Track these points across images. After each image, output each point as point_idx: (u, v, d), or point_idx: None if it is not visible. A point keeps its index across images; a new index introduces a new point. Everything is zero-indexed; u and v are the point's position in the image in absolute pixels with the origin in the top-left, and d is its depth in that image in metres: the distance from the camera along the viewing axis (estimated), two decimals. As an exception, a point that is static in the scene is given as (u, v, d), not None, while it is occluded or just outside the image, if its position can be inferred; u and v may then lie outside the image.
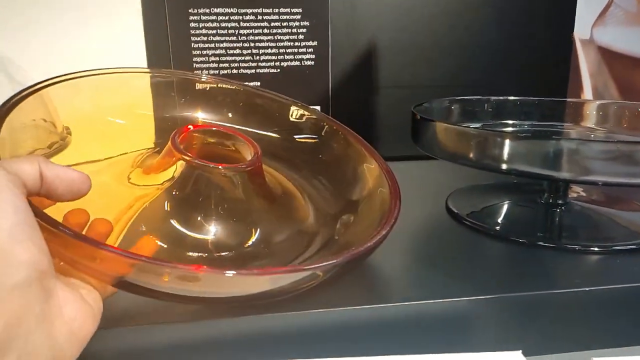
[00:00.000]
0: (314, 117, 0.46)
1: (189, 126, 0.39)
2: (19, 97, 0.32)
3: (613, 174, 0.35)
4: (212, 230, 0.35)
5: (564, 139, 0.44)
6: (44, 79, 0.35)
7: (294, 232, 0.37)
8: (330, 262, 0.28)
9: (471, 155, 0.38)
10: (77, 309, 0.24)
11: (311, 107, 0.46)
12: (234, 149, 0.40)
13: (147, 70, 0.48)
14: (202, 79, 0.46)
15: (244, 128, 0.44)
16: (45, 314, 0.22)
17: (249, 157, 0.38)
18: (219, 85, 0.46)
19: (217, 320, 0.30)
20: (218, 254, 0.34)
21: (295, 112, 0.46)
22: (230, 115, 0.45)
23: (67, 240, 0.23)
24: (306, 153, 0.45)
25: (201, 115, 0.45)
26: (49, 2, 0.55)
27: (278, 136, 0.46)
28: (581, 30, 0.70)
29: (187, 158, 0.35)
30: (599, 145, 0.35)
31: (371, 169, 0.40)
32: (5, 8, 0.54)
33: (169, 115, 0.44)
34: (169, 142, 0.36)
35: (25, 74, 0.47)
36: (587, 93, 0.73)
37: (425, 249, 0.41)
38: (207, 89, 0.46)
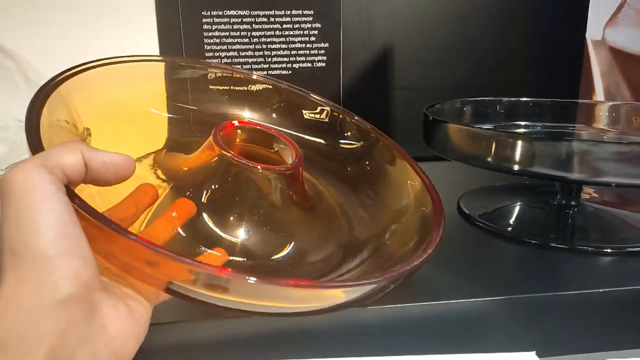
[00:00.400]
0: (360, 125, 0.44)
1: (234, 122, 0.38)
2: (44, 92, 0.30)
3: (626, 175, 0.35)
4: (242, 234, 0.33)
5: (576, 140, 0.44)
6: (64, 71, 0.34)
7: (329, 246, 0.36)
8: (375, 279, 0.27)
9: (483, 156, 0.38)
10: (121, 326, 0.22)
11: (356, 116, 0.44)
12: (275, 150, 0.39)
13: (184, 60, 0.45)
14: (246, 75, 0.44)
15: (286, 130, 0.43)
16: (90, 332, 0.21)
17: (289, 161, 0.37)
18: (261, 84, 0.44)
19: (222, 320, 0.30)
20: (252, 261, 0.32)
21: (340, 119, 0.45)
22: (273, 115, 0.44)
23: (119, 240, 0.21)
24: (349, 163, 0.43)
25: (244, 113, 0.43)
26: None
27: (322, 141, 0.44)
28: (593, 31, 0.70)
29: (228, 154, 0.33)
30: (611, 147, 0.35)
31: (414, 186, 0.38)
32: (15, 5, 0.55)
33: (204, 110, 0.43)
34: (211, 136, 0.35)
35: (36, 71, 0.48)
36: (599, 94, 0.72)
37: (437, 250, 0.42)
38: (249, 87, 0.44)
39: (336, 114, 0.45)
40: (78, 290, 0.20)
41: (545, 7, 0.65)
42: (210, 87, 0.44)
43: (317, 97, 0.45)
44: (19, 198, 0.20)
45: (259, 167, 0.34)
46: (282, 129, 0.43)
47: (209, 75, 0.44)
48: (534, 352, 0.31)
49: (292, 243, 0.34)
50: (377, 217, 0.38)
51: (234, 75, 0.44)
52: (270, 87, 0.45)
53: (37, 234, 0.20)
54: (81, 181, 0.23)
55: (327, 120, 0.45)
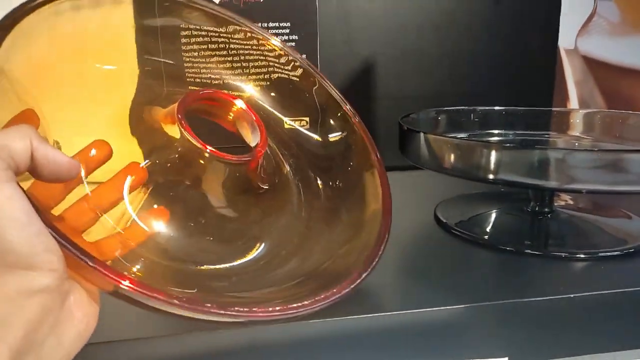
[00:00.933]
0: (348, 118, 0.41)
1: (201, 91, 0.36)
2: None
3: (596, 182, 0.36)
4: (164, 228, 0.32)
5: (547, 148, 0.45)
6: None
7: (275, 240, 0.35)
8: (309, 307, 0.26)
9: (455, 165, 0.39)
10: (85, 310, 0.23)
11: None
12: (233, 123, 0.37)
13: None
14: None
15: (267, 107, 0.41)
16: (60, 317, 0.22)
17: (251, 143, 0.35)
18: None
19: (211, 332, 0.30)
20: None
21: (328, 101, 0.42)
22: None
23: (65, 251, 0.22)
24: (323, 154, 0.41)
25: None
26: None
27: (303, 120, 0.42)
28: (566, 40, 0.72)
29: (181, 128, 0.32)
30: (582, 154, 0.35)
31: (375, 183, 0.37)
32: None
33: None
34: (176, 104, 0.33)
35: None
36: (573, 101, 0.74)
37: (414, 258, 0.42)
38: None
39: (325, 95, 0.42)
40: (55, 282, 0.21)
41: (518, 18, 0.66)
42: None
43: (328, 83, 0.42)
44: None
45: (207, 149, 0.32)
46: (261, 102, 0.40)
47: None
48: (507, 357, 0.31)
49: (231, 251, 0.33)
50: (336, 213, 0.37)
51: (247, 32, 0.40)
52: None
53: (10, 238, 0.20)
54: (23, 172, 0.22)
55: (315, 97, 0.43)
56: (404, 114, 0.49)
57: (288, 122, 0.43)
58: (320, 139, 0.42)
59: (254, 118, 0.37)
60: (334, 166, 0.40)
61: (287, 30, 0.59)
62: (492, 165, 0.36)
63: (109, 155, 0.30)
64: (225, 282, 0.32)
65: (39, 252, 0.20)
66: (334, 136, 0.42)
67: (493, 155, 0.36)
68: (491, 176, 0.37)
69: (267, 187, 0.38)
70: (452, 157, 0.39)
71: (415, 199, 0.55)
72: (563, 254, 0.40)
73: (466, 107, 0.55)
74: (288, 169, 0.40)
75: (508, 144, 0.37)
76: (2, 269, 0.20)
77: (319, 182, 0.40)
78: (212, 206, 0.35)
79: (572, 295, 0.34)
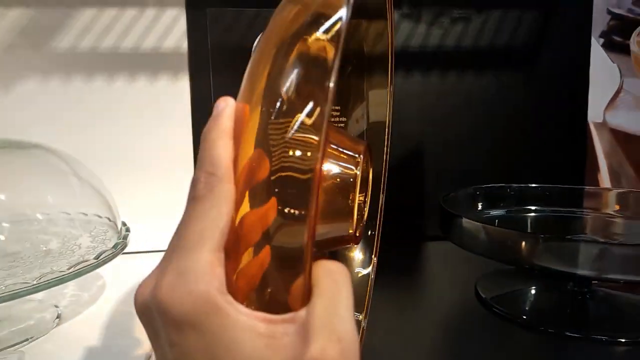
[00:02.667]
0: None
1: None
2: None
3: (632, 273, 0.38)
4: None
5: (582, 240, 0.46)
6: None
7: None
8: None
9: (491, 251, 0.41)
10: None
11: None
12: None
13: None
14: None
15: None
16: None
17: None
18: None
19: None
20: None
21: None
22: None
23: None
24: None
25: None
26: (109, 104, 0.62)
27: None
28: (594, 114, 0.75)
29: None
30: (616, 249, 0.38)
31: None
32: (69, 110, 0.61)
33: None
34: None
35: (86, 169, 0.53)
36: (604, 173, 0.76)
37: (453, 336, 0.44)
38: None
39: None
40: None
41: (549, 96, 0.70)
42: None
43: None
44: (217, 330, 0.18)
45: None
46: None
47: None
48: None
49: None
50: None
51: None
52: None
53: None
54: None
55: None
56: (445, 191, 0.52)
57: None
58: None
59: None
60: None
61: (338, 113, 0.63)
62: (525, 254, 0.39)
63: None
64: None
65: None
66: None
67: (531, 245, 0.39)
68: (526, 264, 0.39)
69: None
70: (488, 243, 0.41)
71: (458, 270, 0.57)
72: (603, 338, 0.41)
73: (502, 185, 0.58)
74: None
75: (543, 235, 0.40)
76: None
77: None
78: None
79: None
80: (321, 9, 0.23)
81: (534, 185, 0.58)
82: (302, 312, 0.18)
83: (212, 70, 0.61)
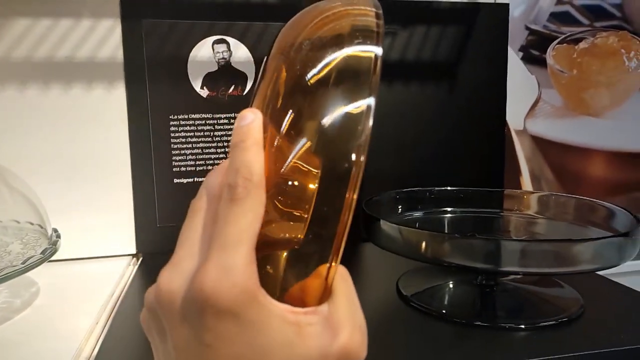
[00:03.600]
0: None
1: None
2: None
3: (530, 266, 0.42)
4: None
5: (478, 238, 0.50)
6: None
7: None
8: None
9: (408, 250, 0.45)
10: None
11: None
12: None
13: None
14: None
15: None
16: None
17: None
18: None
19: None
20: None
21: None
22: None
23: None
24: None
25: None
26: (45, 113, 0.62)
27: None
28: (515, 122, 0.81)
29: None
30: (512, 244, 0.42)
31: None
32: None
33: None
34: None
35: (21, 181, 0.53)
36: (525, 176, 0.82)
37: (376, 331, 0.47)
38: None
39: None
40: None
41: (470, 105, 0.75)
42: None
43: None
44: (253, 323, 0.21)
45: None
46: None
47: None
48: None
49: None
50: None
51: None
52: None
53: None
54: None
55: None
56: (370, 195, 0.56)
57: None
58: None
59: None
60: None
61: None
62: (435, 251, 0.43)
63: None
64: None
65: None
66: None
67: (436, 243, 0.43)
68: (437, 261, 0.43)
69: None
70: (401, 242, 0.45)
71: (382, 270, 0.61)
72: (507, 325, 0.46)
73: (422, 188, 0.62)
74: None
75: (448, 234, 0.44)
76: None
77: None
78: None
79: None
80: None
81: (450, 188, 0.62)
82: (323, 308, 0.22)
83: (148, 80, 0.63)
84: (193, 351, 0.21)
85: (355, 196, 0.22)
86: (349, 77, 0.25)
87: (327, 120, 0.25)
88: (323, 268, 0.22)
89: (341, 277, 0.23)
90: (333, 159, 0.24)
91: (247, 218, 0.22)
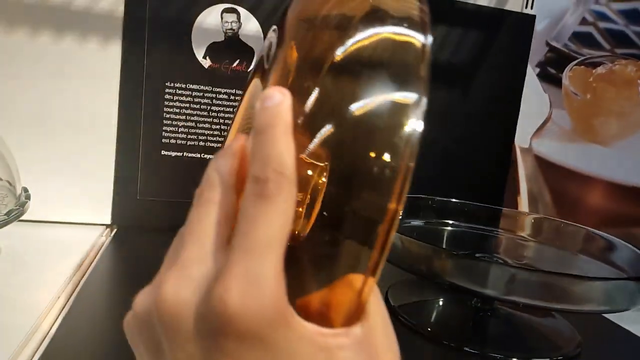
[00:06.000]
0: None
1: None
2: None
3: (533, 298, 0.39)
4: None
5: (483, 260, 0.48)
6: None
7: None
8: None
9: (404, 263, 0.42)
10: None
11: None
12: None
13: None
14: None
15: None
16: None
17: None
18: None
19: None
20: None
21: None
22: None
23: None
24: None
25: None
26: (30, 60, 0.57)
27: None
28: (521, 139, 0.78)
29: None
30: (522, 273, 0.39)
31: None
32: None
33: None
34: None
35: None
36: (523, 196, 0.80)
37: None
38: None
39: None
40: None
41: (481, 115, 0.72)
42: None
43: None
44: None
45: None
46: None
47: None
48: None
49: None
50: None
51: None
52: None
53: None
54: None
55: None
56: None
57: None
58: None
59: None
60: None
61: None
62: (436, 268, 0.40)
63: None
64: None
65: None
66: None
67: (439, 260, 0.39)
68: (436, 279, 0.40)
69: None
70: (400, 251, 0.42)
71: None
72: (498, 356, 0.43)
73: (424, 196, 0.58)
74: None
75: (454, 252, 0.41)
76: None
77: None
78: None
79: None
80: None
81: (454, 200, 0.59)
82: (356, 330, 0.18)
83: (147, 40, 0.58)
84: None
85: (404, 195, 0.18)
86: (397, 62, 0.21)
87: (366, 107, 0.20)
88: (356, 279, 0.18)
89: (374, 293, 0.19)
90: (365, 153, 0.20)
91: (280, 220, 0.18)
